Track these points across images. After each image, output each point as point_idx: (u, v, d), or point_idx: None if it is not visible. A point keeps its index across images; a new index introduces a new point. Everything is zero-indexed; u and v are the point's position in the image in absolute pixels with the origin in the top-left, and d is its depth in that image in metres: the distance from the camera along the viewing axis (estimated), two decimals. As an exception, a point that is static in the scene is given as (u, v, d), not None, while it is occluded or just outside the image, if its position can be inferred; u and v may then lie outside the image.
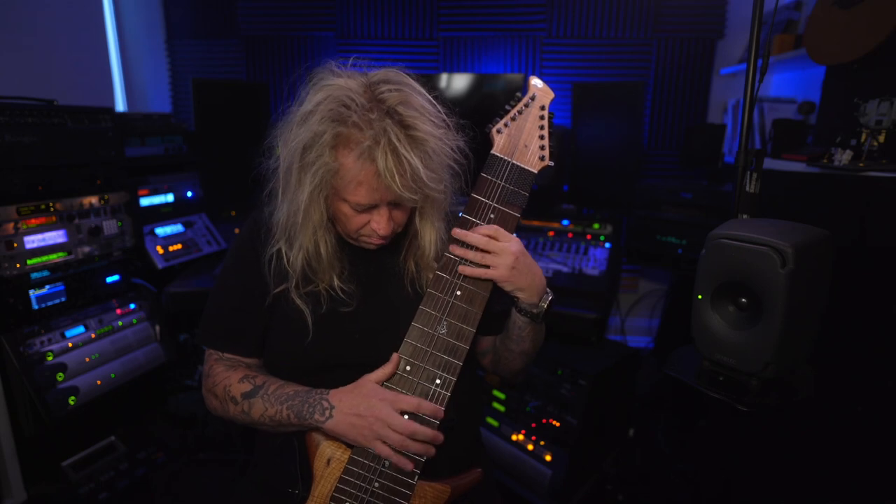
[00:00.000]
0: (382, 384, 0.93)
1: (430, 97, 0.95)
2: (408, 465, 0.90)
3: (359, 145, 0.86)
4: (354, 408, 0.90)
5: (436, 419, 0.91)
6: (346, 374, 1.00)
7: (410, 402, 0.90)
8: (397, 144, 0.86)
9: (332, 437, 0.94)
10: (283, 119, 0.97)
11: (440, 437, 0.91)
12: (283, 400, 0.95)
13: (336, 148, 0.89)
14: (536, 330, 1.04)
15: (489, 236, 0.93)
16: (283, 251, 1.00)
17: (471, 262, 0.94)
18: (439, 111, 0.95)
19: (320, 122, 0.88)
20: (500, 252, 0.92)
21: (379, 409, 0.89)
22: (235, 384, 1.00)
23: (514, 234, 0.96)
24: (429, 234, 1.02)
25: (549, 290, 1.01)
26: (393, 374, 0.93)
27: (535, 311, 0.99)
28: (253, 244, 1.04)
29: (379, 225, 0.94)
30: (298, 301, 0.99)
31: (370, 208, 0.94)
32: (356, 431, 0.90)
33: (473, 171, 0.99)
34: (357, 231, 0.97)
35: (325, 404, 0.92)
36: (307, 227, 0.96)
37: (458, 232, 0.94)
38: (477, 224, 0.95)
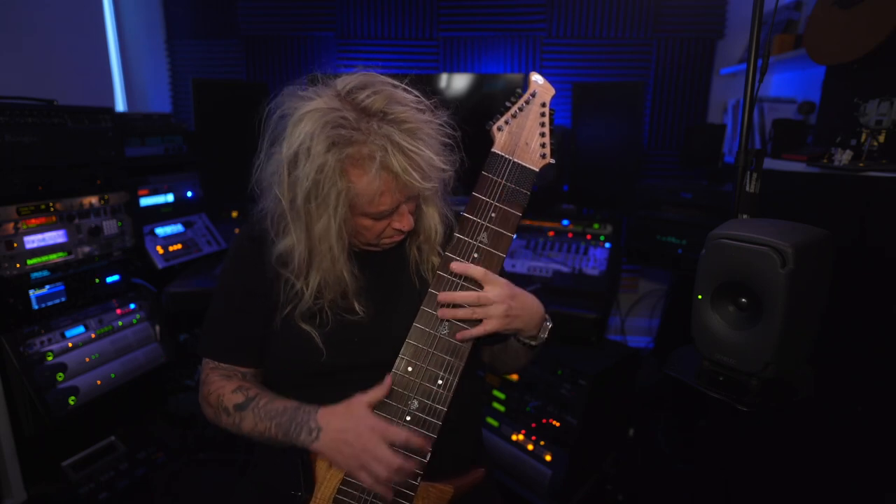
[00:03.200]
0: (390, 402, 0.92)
1: (403, 86, 0.95)
2: (388, 495, 0.89)
3: (371, 160, 0.85)
4: (342, 433, 0.88)
5: (423, 453, 0.90)
6: (356, 376, 0.99)
7: (399, 434, 0.88)
8: (402, 143, 0.86)
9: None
10: (262, 164, 0.94)
11: (423, 466, 0.90)
12: (271, 416, 0.94)
13: (346, 171, 0.87)
14: (534, 352, 1.03)
15: (477, 278, 0.91)
16: (300, 284, 0.97)
17: (461, 319, 0.92)
18: (417, 95, 0.95)
19: (321, 154, 0.85)
20: (489, 305, 0.91)
21: (367, 439, 0.87)
22: (228, 394, 1.00)
23: (514, 236, 0.96)
24: (433, 216, 1.03)
25: (547, 316, 1.00)
26: (385, 396, 0.91)
27: (534, 342, 0.99)
28: (252, 258, 1.02)
29: (402, 223, 0.95)
30: (304, 325, 0.98)
31: (391, 213, 0.94)
32: (342, 458, 0.89)
33: (466, 143, 0.98)
34: (379, 237, 0.97)
35: (313, 424, 0.91)
36: (329, 260, 0.94)
37: (445, 297, 0.92)
38: (476, 222, 0.94)
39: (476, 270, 0.92)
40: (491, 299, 0.91)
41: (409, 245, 1.05)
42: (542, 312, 0.99)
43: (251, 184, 0.97)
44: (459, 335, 0.92)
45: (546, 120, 0.96)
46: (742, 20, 2.86)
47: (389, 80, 0.94)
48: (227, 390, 1.00)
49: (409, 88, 0.95)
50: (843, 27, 1.51)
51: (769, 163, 1.51)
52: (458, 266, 0.92)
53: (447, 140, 0.95)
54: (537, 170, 0.96)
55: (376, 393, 0.90)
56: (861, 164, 1.37)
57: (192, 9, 3.18)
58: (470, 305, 0.91)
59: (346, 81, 0.92)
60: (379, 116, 0.87)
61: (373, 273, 1.04)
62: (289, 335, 1.00)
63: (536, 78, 0.96)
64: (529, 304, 0.96)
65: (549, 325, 1.00)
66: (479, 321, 0.92)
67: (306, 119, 0.88)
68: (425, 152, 0.87)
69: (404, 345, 0.93)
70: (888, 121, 1.38)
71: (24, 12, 2.37)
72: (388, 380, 0.91)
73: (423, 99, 0.95)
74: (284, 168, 0.89)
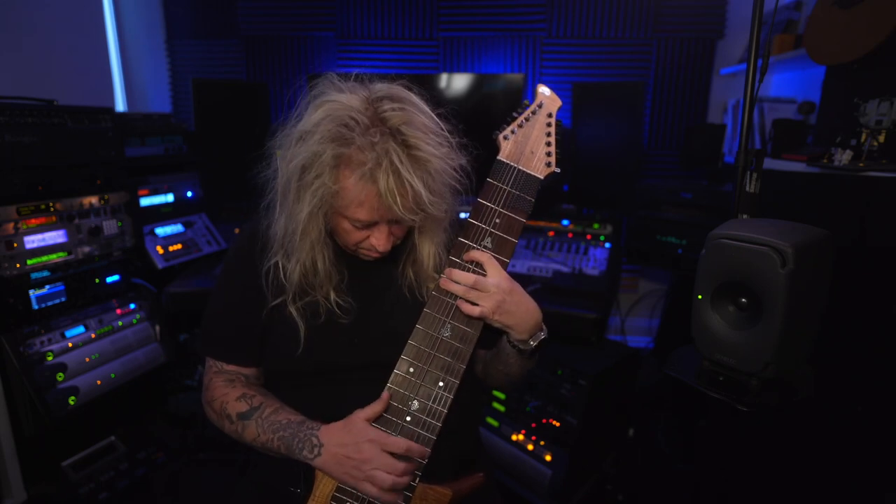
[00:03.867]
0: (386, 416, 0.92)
1: (433, 115, 0.94)
2: (398, 502, 0.91)
3: (360, 167, 0.85)
4: (343, 448, 0.90)
5: (422, 460, 0.91)
6: (346, 377, 1.00)
7: (399, 444, 0.90)
8: (399, 166, 0.85)
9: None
10: (281, 130, 0.96)
11: (420, 466, 0.91)
12: (275, 429, 0.95)
13: (337, 168, 0.88)
14: (524, 361, 1.03)
15: (478, 261, 0.93)
16: (281, 264, 0.99)
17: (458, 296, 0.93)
18: (442, 130, 0.94)
19: (320, 142, 0.87)
20: (486, 290, 0.92)
21: (367, 451, 0.88)
22: (232, 402, 1.00)
23: (518, 240, 0.96)
24: (427, 248, 1.02)
25: (544, 327, 1.00)
26: (382, 412, 0.92)
27: (522, 346, 0.98)
28: (250, 255, 1.03)
29: (378, 241, 0.95)
30: (294, 313, 0.99)
31: (370, 225, 0.94)
32: (343, 471, 0.90)
33: (475, 190, 0.99)
34: (356, 244, 0.97)
35: (315, 441, 0.92)
36: (304, 243, 0.96)
37: (448, 272, 0.94)
38: (481, 227, 0.95)
39: (482, 256, 0.94)
40: (488, 286, 0.92)
41: (405, 266, 1.05)
42: (539, 320, 0.98)
43: (266, 144, 0.99)
44: (459, 305, 0.93)
45: (552, 130, 0.98)
46: (742, 20, 2.86)
47: (422, 105, 0.94)
48: (231, 398, 1.01)
49: (438, 121, 0.94)
50: (843, 27, 1.51)
51: (769, 163, 1.52)
52: (470, 254, 0.94)
53: (454, 184, 0.96)
54: (542, 177, 0.96)
55: (374, 408, 0.91)
56: (861, 164, 1.37)
57: (192, 9, 3.18)
58: (467, 286, 0.92)
59: (381, 88, 0.93)
60: (390, 132, 0.87)
61: (365, 279, 1.05)
62: (279, 326, 1.01)
63: (543, 90, 0.98)
64: (526, 306, 0.96)
65: (544, 336, 1.00)
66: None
67: (324, 107, 0.90)
68: (417, 184, 0.86)
69: (406, 346, 0.93)
70: (888, 121, 1.38)
71: (24, 12, 2.37)
72: (385, 395, 0.92)
73: (448, 136, 0.94)
74: (292, 143, 0.92)
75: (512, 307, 0.93)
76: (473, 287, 0.92)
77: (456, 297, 0.94)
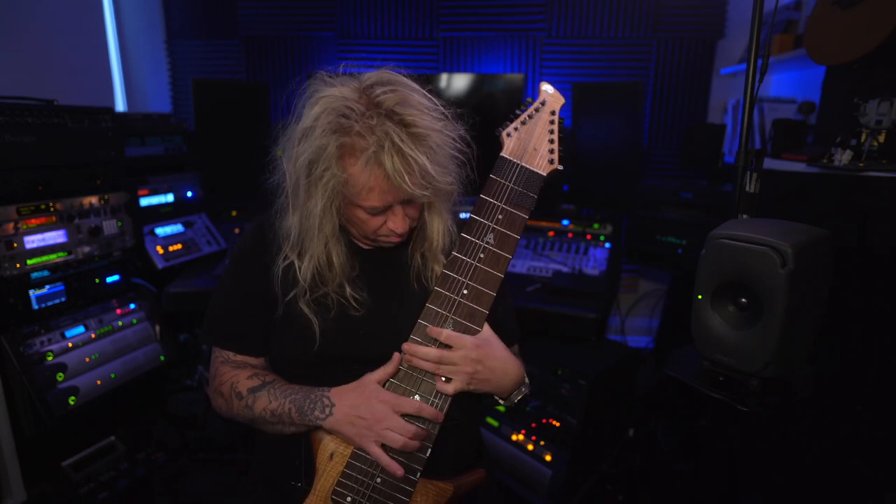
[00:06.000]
0: (385, 384, 0.94)
1: (424, 92, 0.95)
2: (398, 471, 0.90)
3: (364, 152, 0.87)
4: (354, 408, 0.91)
5: (436, 422, 0.92)
6: (349, 366, 1.01)
7: (411, 405, 0.91)
8: (401, 145, 0.86)
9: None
10: (282, 133, 0.97)
11: (423, 462, 0.92)
12: (286, 394, 0.96)
13: (342, 158, 0.89)
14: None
15: (440, 340, 0.92)
16: (295, 263, 1.00)
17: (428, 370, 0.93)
18: (436, 104, 0.95)
19: (321, 135, 0.88)
20: (454, 364, 0.92)
21: (379, 411, 0.90)
22: (243, 380, 1.01)
23: (520, 236, 0.96)
24: (437, 225, 1.03)
25: (526, 381, 1.01)
26: (395, 373, 0.93)
27: (503, 402, 1.00)
28: (259, 248, 1.04)
29: (395, 224, 0.95)
30: (307, 309, 0.99)
31: (384, 210, 0.94)
32: (354, 431, 0.91)
33: (478, 157, 1.00)
34: (375, 233, 0.98)
35: (326, 402, 0.93)
36: (320, 239, 0.97)
37: (407, 347, 0.93)
38: (483, 223, 0.95)
39: (441, 334, 0.92)
40: (454, 361, 0.92)
41: (413, 251, 1.06)
42: (519, 378, 0.99)
43: (272, 150, 1.00)
44: (441, 386, 0.93)
45: (555, 128, 0.98)
46: (742, 20, 2.86)
47: (412, 83, 0.95)
48: (241, 377, 1.02)
49: (431, 97, 0.95)
50: (843, 27, 1.51)
51: (769, 163, 1.52)
52: (429, 330, 0.93)
53: (457, 154, 0.96)
54: (545, 174, 0.97)
55: (385, 370, 0.93)
56: (861, 164, 1.37)
57: (192, 9, 3.18)
58: (433, 363, 0.92)
59: (370, 75, 0.94)
60: (387, 114, 0.88)
61: (375, 270, 1.05)
62: (291, 321, 1.01)
63: (547, 87, 0.98)
64: (503, 369, 0.96)
65: (526, 391, 1.01)
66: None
67: (320, 103, 0.91)
68: (422, 159, 0.87)
69: (408, 341, 0.94)
70: (888, 121, 1.38)
71: (24, 12, 2.37)
72: (395, 357, 0.93)
73: (442, 108, 0.95)
74: (295, 142, 0.93)
75: (486, 375, 0.94)
76: (439, 363, 0.92)
77: (460, 290, 0.94)
